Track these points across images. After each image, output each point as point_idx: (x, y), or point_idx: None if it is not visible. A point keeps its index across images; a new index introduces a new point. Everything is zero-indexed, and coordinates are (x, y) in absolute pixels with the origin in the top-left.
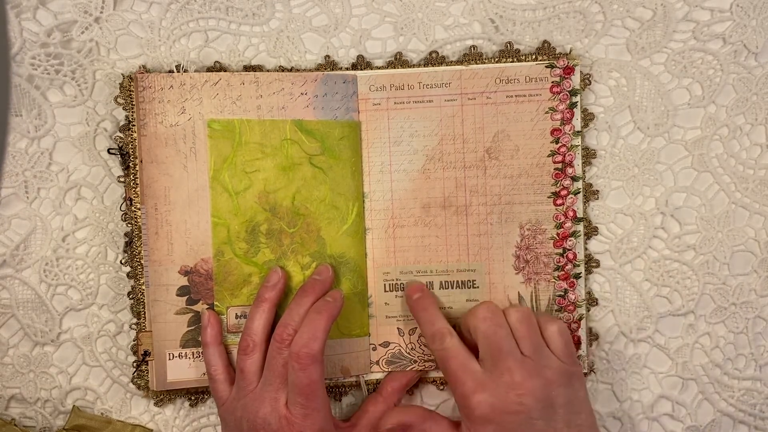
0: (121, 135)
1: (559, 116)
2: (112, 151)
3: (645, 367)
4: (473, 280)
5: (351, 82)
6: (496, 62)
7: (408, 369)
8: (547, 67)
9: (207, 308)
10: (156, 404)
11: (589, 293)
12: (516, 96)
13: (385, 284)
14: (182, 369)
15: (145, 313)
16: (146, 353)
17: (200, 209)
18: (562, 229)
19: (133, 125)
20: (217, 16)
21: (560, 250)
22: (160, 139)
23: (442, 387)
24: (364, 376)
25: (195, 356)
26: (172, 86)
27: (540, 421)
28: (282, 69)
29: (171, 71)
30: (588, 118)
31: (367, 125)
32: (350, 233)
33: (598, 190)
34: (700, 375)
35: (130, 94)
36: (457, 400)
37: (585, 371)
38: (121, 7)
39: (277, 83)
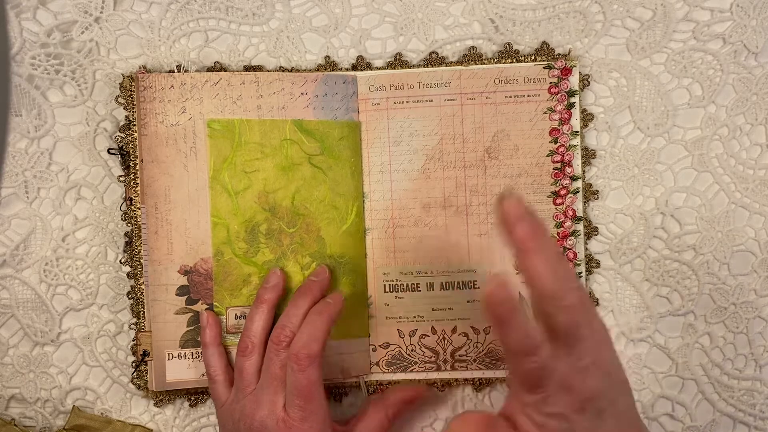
0: (122, 135)
1: (557, 116)
2: (112, 151)
3: (645, 367)
4: (474, 281)
5: (351, 82)
6: (496, 63)
7: (409, 371)
8: (545, 68)
9: (206, 308)
10: (156, 404)
11: (589, 293)
12: (515, 96)
13: (385, 285)
14: (181, 369)
15: (144, 313)
16: (145, 353)
17: (200, 209)
18: (561, 229)
19: (134, 125)
20: (217, 16)
21: (560, 250)
22: (161, 139)
23: (442, 389)
24: (365, 377)
25: (194, 356)
26: (172, 86)
27: None
28: (282, 69)
29: (171, 71)
30: (588, 118)
31: (367, 125)
32: (350, 233)
33: (597, 190)
34: (700, 375)
35: (131, 94)
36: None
37: None
38: (121, 7)
39: (277, 83)
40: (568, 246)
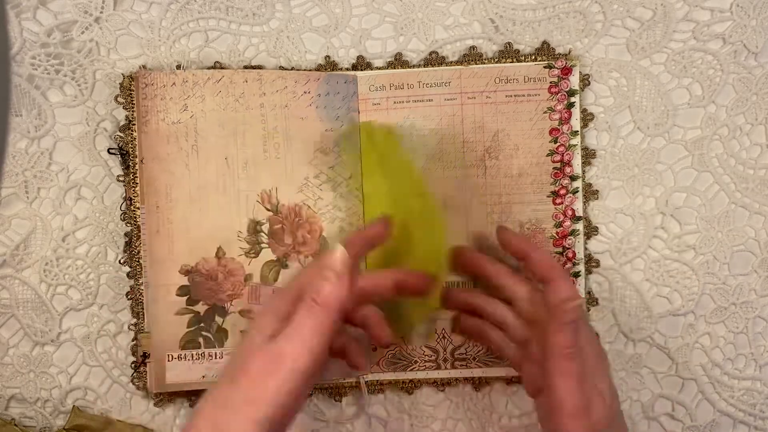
0: (122, 135)
1: (557, 116)
2: (112, 151)
3: (644, 367)
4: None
5: (351, 82)
6: (496, 62)
7: (409, 370)
8: (545, 67)
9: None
10: (156, 404)
11: (589, 293)
12: (515, 96)
13: None
14: (181, 371)
15: (144, 314)
16: (145, 355)
17: (202, 207)
18: (561, 228)
19: (133, 125)
20: (217, 16)
21: (560, 249)
22: (162, 137)
23: (442, 388)
24: (364, 376)
25: (195, 358)
26: (174, 83)
27: None
28: (282, 69)
29: (171, 72)
30: (588, 118)
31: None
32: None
33: (597, 190)
34: (700, 375)
35: (131, 94)
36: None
37: None
38: (121, 7)
39: (279, 81)
40: (567, 245)
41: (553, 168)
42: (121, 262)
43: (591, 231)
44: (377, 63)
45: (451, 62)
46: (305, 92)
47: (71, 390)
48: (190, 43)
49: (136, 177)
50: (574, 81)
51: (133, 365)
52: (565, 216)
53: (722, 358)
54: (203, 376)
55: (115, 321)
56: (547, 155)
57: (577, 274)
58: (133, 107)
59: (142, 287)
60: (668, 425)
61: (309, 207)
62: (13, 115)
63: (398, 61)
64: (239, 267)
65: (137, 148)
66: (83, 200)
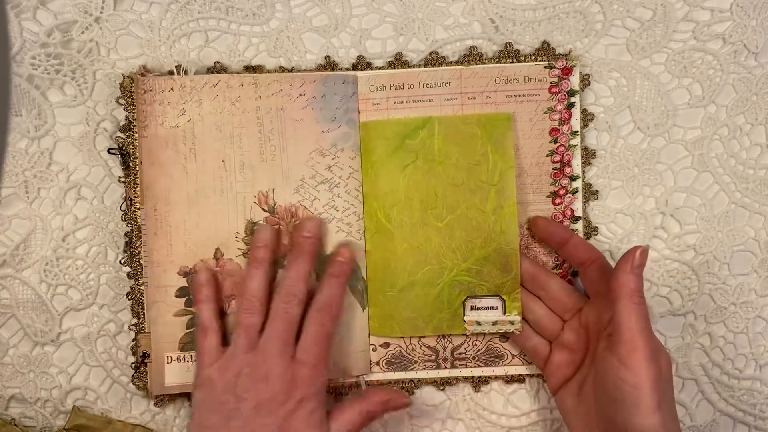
0: (122, 135)
1: (557, 116)
2: (113, 151)
3: None
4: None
5: (351, 82)
6: (496, 62)
7: (409, 369)
8: (545, 67)
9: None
10: (156, 404)
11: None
12: (515, 96)
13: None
14: (181, 373)
15: (144, 314)
16: (145, 355)
17: (200, 210)
18: None
19: (134, 125)
20: (217, 16)
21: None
22: (160, 141)
23: (442, 388)
24: (364, 376)
25: (194, 360)
26: (172, 88)
27: None
28: (282, 69)
29: (171, 72)
30: (588, 118)
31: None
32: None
33: (597, 190)
34: (700, 375)
35: (131, 94)
36: None
37: None
38: (121, 7)
39: (275, 84)
40: None
41: (553, 168)
42: (122, 262)
43: (591, 231)
44: (377, 63)
45: (452, 62)
46: (300, 95)
47: (71, 390)
48: (190, 43)
49: (137, 177)
50: (575, 81)
51: (133, 365)
52: (565, 216)
53: (722, 358)
54: None
55: (115, 321)
56: (547, 155)
57: (576, 274)
58: (133, 108)
59: (142, 287)
60: None
61: (305, 207)
62: (13, 115)
63: (398, 61)
64: (237, 268)
65: (137, 150)
66: (83, 200)
